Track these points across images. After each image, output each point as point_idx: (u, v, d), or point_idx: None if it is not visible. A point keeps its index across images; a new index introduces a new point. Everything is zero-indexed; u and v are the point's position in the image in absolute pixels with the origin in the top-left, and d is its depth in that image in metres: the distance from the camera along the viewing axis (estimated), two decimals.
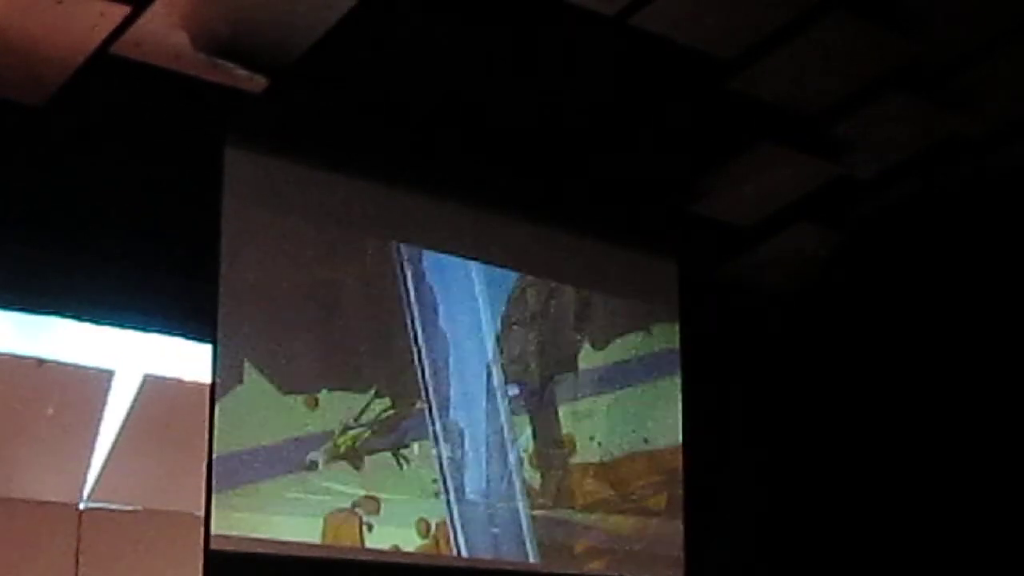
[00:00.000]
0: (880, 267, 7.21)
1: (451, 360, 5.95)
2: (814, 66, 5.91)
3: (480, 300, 6.13)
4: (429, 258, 5.94)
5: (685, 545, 6.50)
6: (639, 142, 6.28)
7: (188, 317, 5.38)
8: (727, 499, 6.90)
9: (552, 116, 6.02)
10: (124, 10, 4.68)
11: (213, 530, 5.05)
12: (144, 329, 5.46)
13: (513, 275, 6.28)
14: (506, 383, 6.17)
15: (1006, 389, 6.88)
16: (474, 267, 6.11)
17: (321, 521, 5.42)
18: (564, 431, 6.35)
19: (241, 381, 5.26)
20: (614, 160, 6.34)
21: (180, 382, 5.62)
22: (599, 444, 6.43)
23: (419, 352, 5.85)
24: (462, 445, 5.93)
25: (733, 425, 7.01)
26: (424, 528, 5.73)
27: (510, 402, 6.18)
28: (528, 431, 6.22)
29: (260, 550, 5.20)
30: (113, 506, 5.71)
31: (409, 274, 5.89)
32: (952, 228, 7.01)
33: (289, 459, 5.35)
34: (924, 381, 7.09)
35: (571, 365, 6.43)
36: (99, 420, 5.56)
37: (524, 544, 6.09)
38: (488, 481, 6.02)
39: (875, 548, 7.06)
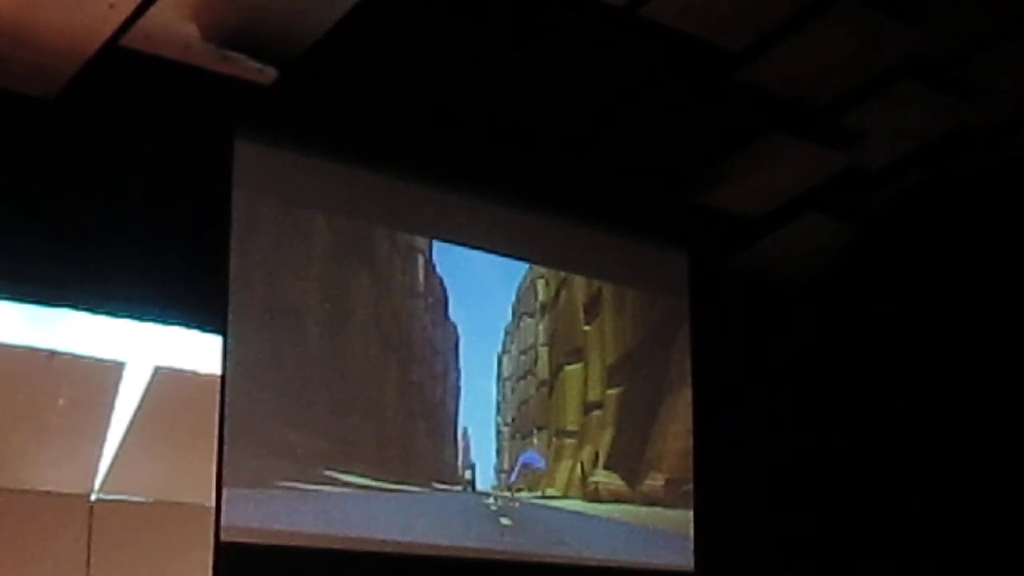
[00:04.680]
0: (891, 257, 7.19)
1: (461, 351, 5.96)
2: (823, 56, 5.91)
3: (490, 291, 6.14)
4: (439, 249, 5.95)
5: (695, 534, 6.51)
6: (649, 133, 6.27)
7: (198, 308, 5.39)
8: (737, 488, 6.90)
9: (562, 107, 6.02)
10: (134, 2, 4.68)
11: (223, 521, 5.07)
12: (155, 321, 5.47)
13: (523, 266, 6.28)
14: (516, 374, 6.18)
15: (1021, 377, 6.87)
16: (484, 258, 6.11)
17: None
18: (574, 422, 6.36)
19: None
20: (624, 151, 6.34)
21: (191, 374, 5.62)
22: (609, 434, 6.44)
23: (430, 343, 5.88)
24: (472, 435, 5.95)
25: (743, 414, 7.01)
26: None
27: (520, 393, 6.19)
28: (539, 422, 6.24)
29: (270, 541, 5.22)
30: (124, 497, 5.71)
31: (419, 265, 5.90)
32: (963, 217, 7.00)
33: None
34: (936, 370, 7.08)
35: (581, 356, 6.44)
36: (110, 412, 5.56)
37: (534, 534, 6.10)
38: (498, 471, 6.03)
39: (885, 536, 7.06)
